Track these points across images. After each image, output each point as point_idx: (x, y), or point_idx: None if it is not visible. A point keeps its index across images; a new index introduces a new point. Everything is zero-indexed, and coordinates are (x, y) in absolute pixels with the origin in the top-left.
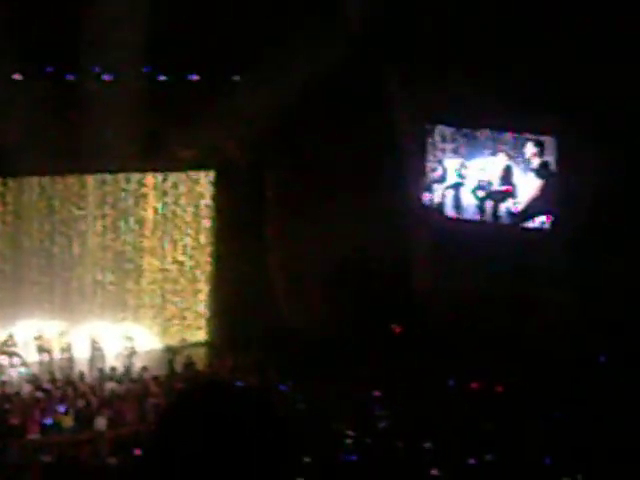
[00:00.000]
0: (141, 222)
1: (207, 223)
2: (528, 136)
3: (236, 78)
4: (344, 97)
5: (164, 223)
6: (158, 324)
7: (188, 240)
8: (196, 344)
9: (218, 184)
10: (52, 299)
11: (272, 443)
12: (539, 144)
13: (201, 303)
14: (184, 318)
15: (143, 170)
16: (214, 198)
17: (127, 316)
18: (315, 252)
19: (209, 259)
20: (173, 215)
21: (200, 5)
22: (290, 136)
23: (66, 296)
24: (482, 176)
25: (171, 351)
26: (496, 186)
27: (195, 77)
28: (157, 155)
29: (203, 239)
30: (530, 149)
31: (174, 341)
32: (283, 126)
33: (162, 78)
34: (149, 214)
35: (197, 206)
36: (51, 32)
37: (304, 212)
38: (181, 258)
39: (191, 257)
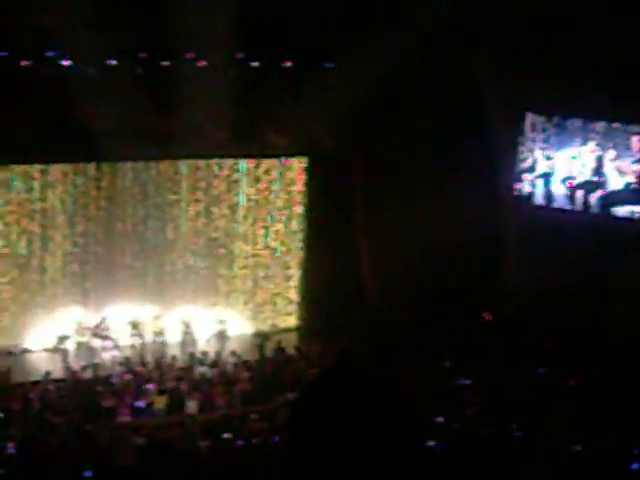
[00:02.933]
0: (233, 208)
1: (299, 209)
2: (618, 125)
3: (328, 64)
4: (435, 82)
5: (256, 209)
6: (249, 309)
7: (280, 226)
8: (286, 329)
9: (310, 170)
10: (145, 283)
11: (405, 428)
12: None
13: (292, 289)
14: (275, 304)
15: (235, 156)
16: (306, 184)
17: (218, 301)
18: (404, 239)
19: (300, 245)
20: (265, 201)
21: None
22: (381, 122)
23: (159, 281)
24: (572, 166)
25: (261, 336)
26: (587, 176)
27: (288, 63)
28: (249, 141)
29: (295, 225)
30: (629, 138)
31: (265, 326)
32: (374, 112)
33: (255, 64)
34: (241, 200)
35: (289, 192)
36: (146, 18)
37: (394, 199)
38: (273, 244)
39: (282, 243)
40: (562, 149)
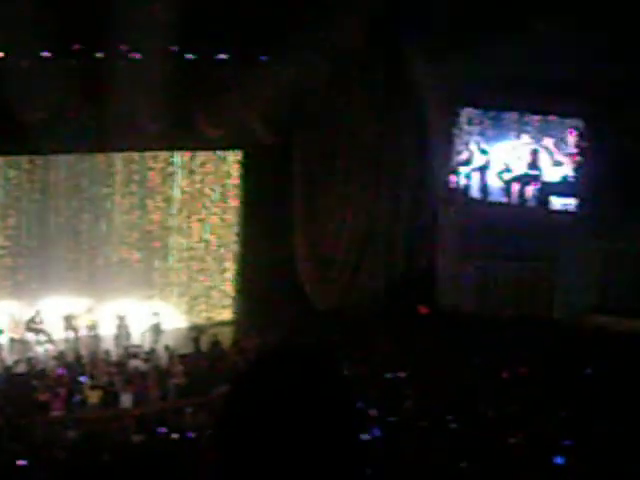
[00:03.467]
0: (168, 200)
1: (234, 202)
2: (554, 119)
3: (263, 57)
4: (370, 74)
5: (191, 202)
6: (184, 302)
7: (215, 219)
8: (222, 323)
9: (245, 164)
10: (78, 276)
11: (344, 405)
12: (575, 128)
13: (227, 282)
14: (210, 297)
15: (171, 149)
16: (241, 177)
17: (153, 294)
18: (340, 232)
19: (235, 238)
20: (200, 194)
21: None
22: (316, 115)
23: (93, 273)
24: (508, 159)
25: (196, 330)
26: (522, 169)
27: (223, 56)
28: (184, 134)
29: (230, 218)
30: (565, 132)
31: (200, 319)
32: (310, 105)
33: (190, 57)
34: (176, 193)
35: (224, 185)
36: (80, 9)
37: (329, 192)
38: (208, 237)
39: (218, 236)
40: (498, 142)
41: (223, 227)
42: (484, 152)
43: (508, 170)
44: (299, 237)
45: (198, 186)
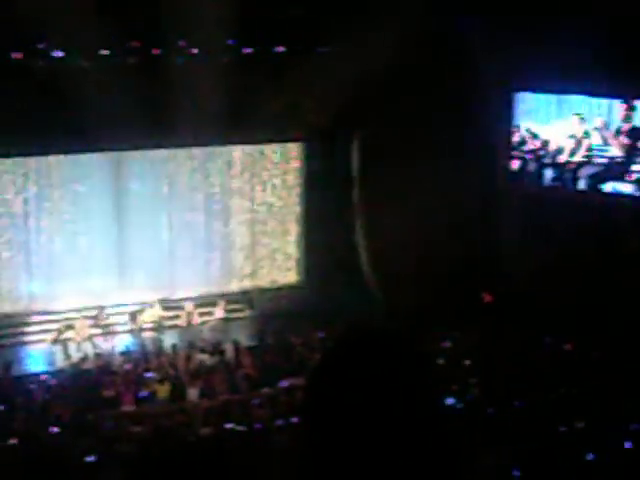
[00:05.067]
0: (230, 163)
1: (296, 163)
2: (612, 101)
3: (323, 49)
4: (431, 62)
5: (252, 163)
6: (249, 265)
7: (277, 180)
8: (286, 286)
9: (305, 156)
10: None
11: (429, 386)
12: (631, 108)
13: (291, 244)
14: (274, 259)
15: (229, 143)
16: (301, 169)
17: (216, 257)
18: (401, 221)
19: (298, 199)
20: (261, 155)
21: None
22: (378, 104)
23: (156, 237)
24: (561, 141)
25: (260, 321)
26: (576, 151)
27: (281, 48)
28: (244, 128)
29: (291, 179)
30: (619, 112)
31: (264, 282)
32: (369, 96)
33: (247, 50)
34: (237, 155)
35: (285, 146)
36: (137, 7)
37: (392, 180)
38: (270, 199)
39: (280, 198)
40: (551, 123)
41: (285, 189)
42: (535, 136)
43: (561, 152)
44: (359, 225)
45: (260, 147)
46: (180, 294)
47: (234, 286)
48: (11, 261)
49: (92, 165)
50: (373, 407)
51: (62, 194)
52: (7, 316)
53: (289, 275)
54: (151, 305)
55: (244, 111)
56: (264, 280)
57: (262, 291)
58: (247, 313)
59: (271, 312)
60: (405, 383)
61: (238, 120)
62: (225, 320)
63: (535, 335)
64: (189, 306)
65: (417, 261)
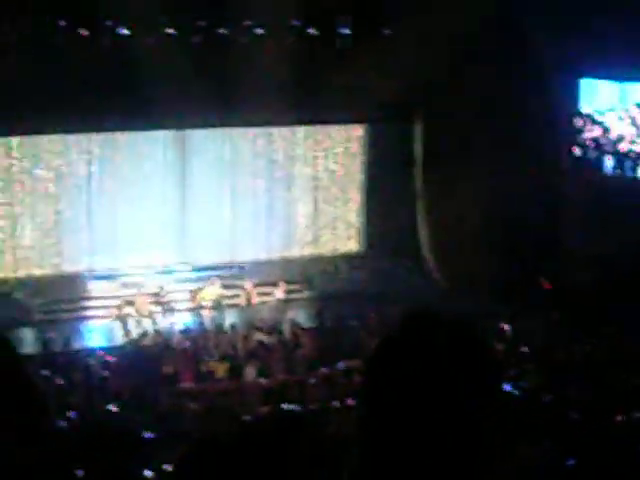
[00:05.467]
0: (293, 130)
1: (357, 132)
2: None
3: (386, 31)
4: (492, 50)
5: (315, 131)
6: (310, 233)
7: (339, 148)
8: (347, 254)
9: (369, 138)
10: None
11: (489, 370)
12: None
13: (352, 212)
14: (335, 227)
15: (293, 123)
16: (364, 152)
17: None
18: (461, 204)
19: (361, 167)
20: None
21: None
22: (439, 90)
23: (218, 202)
24: (624, 129)
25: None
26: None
27: (345, 30)
28: (308, 108)
29: (354, 147)
30: None
31: (326, 250)
32: (432, 80)
33: (312, 31)
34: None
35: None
36: None
37: (453, 165)
38: (332, 166)
39: (342, 165)
40: (610, 110)
41: (348, 156)
42: (597, 123)
43: (620, 140)
44: (420, 205)
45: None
46: (241, 258)
47: (295, 252)
48: (73, 222)
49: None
50: (430, 391)
51: (125, 156)
52: (69, 279)
53: (350, 243)
54: (211, 283)
55: (308, 92)
56: (325, 248)
57: (322, 262)
58: (306, 294)
59: (330, 293)
60: (463, 369)
61: (302, 100)
62: (284, 301)
63: (594, 324)
64: (249, 285)
65: (476, 245)
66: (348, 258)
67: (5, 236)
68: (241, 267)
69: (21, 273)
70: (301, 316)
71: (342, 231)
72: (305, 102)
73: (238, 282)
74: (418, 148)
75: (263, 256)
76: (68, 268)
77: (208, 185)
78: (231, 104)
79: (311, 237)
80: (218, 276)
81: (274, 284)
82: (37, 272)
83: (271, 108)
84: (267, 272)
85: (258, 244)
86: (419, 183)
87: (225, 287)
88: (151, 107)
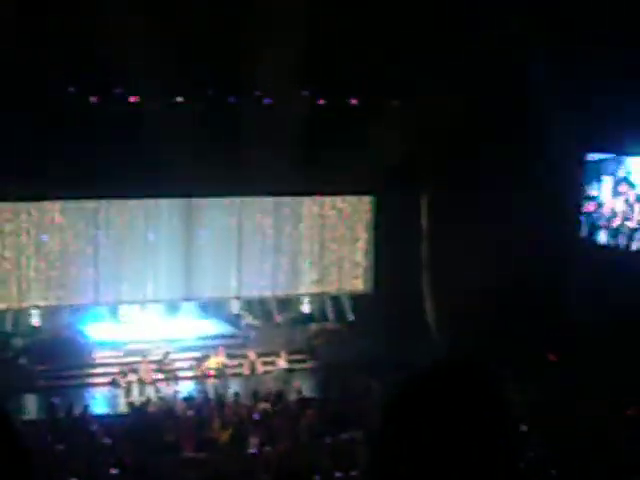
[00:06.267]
0: None
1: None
2: None
3: (394, 102)
4: (497, 122)
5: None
6: (316, 271)
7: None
8: (353, 294)
9: (375, 207)
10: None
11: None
12: None
13: (359, 252)
14: (342, 266)
15: (301, 193)
16: (372, 220)
17: (284, 262)
18: (467, 273)
19: (369, 207)
20: None
21: (360, 30)
22: (446, 158)
23: (227, 237)
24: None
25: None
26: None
27: (354, 101)
28: (315, 178)
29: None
30: None
31: (332, 289)
32: (439, 148)
33: (321, 102)
34: None
35: None
36: (213, 55)
37: (458, 232)
38: (340, 205)
39: (350, 204)
40: (604, 183)
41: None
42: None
43: (614, 216)
44: (425, 271)
45: None
46: (249, 295)
47: (302, 290)
48: (79, 253)
49: None
50: (448, 438)
51: (131, 220)
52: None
53: (356, 283)
54: (216, 353)
55: (315, 162)
56: (331, 287)
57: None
58: (310, 363)
59: (334, 362)
60: (479, 416)
61: (310, 171)
62: (288, 370)
63: (598, 397)
64: (252, 355)
65: (481, 314)
66: (354, 297)
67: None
68: (245, 336)
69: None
70: (305, 386)
71: (348, 270)
72: (312, 172)
73: (242, 351)
74: (424, 218)
75: (268, 294)
76: (71, 334)
77: (215, 221)
78: (239, 173)
79: (317, 275)
80: (223, 345)
81: (277, 354)
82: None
83: (278, 178)
84: (271, 341)
85: (264, 281)
86: (425, 253)
87: (229, 356)
88: (158, 174)
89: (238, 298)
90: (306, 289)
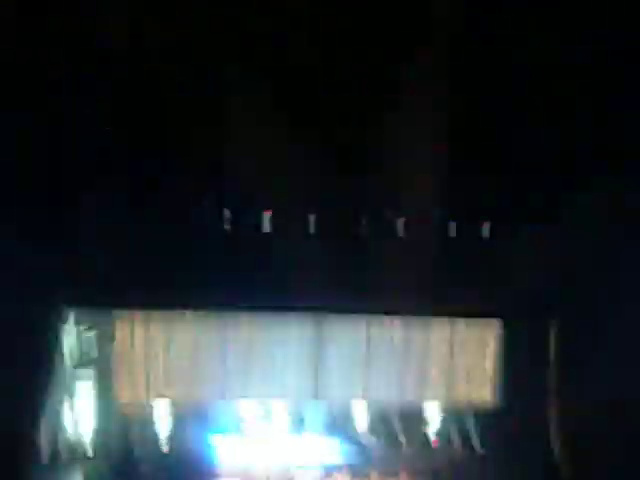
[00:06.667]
0: None
1: None
2: None
3: (529, 228)
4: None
5: None
6: (443, 379)
7: None
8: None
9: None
10: None
11: None
12: None
13: (488, 359)
14: (470, 375)
15: (427, 315)
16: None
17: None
18: (598, 406)
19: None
20: None
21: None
22: (579, 291)
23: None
24: None
25: None
26: None
27: (485, 226)
28: (442, 301)
29: None
30: None
31: (459, 398)
32: (571, 274)
33: (452, 225)
34: None
35: None
36: (347, 175)
37: (588, 366)
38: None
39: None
40: None
41: None
42: None
43: None
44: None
45: None
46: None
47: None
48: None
49: None
50: None
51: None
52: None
53: (484, 393)
54: (339, 472)
55: (444, 286)
56: (458, 395)
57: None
58: None
59: None
60: None
61: (436, 294)
62: None
63: None
64: (375, 476)
65: (609, 451)
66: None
67: None
68: (369, 456)
69: None
70: None
71: (477, 379)
72: (441, 295)
73: (365, 471)
74: (552, 347)
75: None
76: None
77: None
78: (368, 292)
79: (444, 383)
80: (346, 464)
81: (399, 475)
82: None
83: (408, 299)
84: (394, 462)
85: (391, 388)
86: (552, 382)
87: (353, 476)
88: (287, 290)
89: (365, 399)
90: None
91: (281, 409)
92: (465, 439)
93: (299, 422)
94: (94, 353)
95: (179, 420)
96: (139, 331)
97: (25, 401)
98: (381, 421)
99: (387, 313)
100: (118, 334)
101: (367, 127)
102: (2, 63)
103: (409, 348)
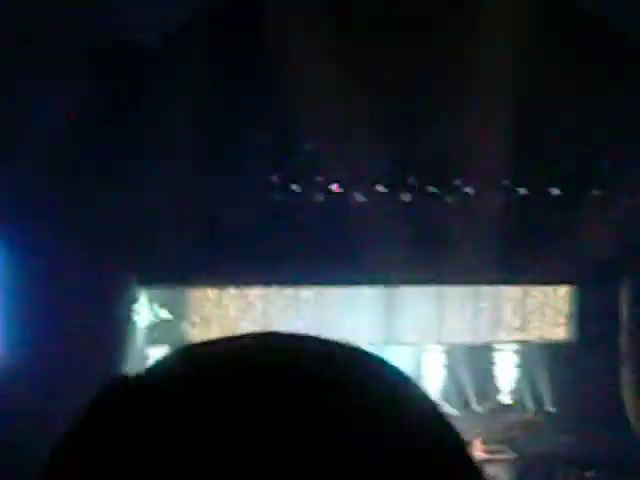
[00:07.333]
0: None
1: None
2: None
3: (597, 192)
4: None
5: None
6: (518, 318)
7: None
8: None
9: (575, 298)
10: None
11: None
12: None
13: (561, 299)
14: (543, 314)
15: (499, 283)
16: (570, 312)
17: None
18: None
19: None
20: None
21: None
22: None
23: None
24: None
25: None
26: None
27: (555, 191)
28: (513, 269)
29: None
30: None
31: (534, 337)
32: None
33: (522, 191)
34: None
35: None
36: (415, 143)
37: None
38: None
39: None
40: None
41: None
42: None
43: None
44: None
45: None
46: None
47: (502, 337)
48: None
49: None
50: None
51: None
52: None
53: (558, 331)
54: None
55: (515, 252)
56: (533, 334)
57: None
58: (508, 455)
59: (534, 456)
60: None
61: (508, 261)
62: (485, 460)
63: None
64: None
65: None
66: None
67: None
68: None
69: None
70: (504, 477)
71: (550, 318)
72: (512, 263)
73: None
74: (624, 312)
75: (469, 340)
76: None
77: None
78: (438, 262)
79: (519, 322)
80: None
81: (474, 443)
82: None
83: (477, 268)
84: (469, 430)
85: (465, 327)
86: (625, 348)
87: None
88: (359, 263)
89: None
90: (507, 336)
91: None
92: (538, 398)
93: None
94: (167, 332)
95: None
96: (212, 310)
97: (100, 379)
98: (456, 393)
99: (462, 283)
100: (191, 313)
101: (433, 97)
102: None
103: (482, 287)
